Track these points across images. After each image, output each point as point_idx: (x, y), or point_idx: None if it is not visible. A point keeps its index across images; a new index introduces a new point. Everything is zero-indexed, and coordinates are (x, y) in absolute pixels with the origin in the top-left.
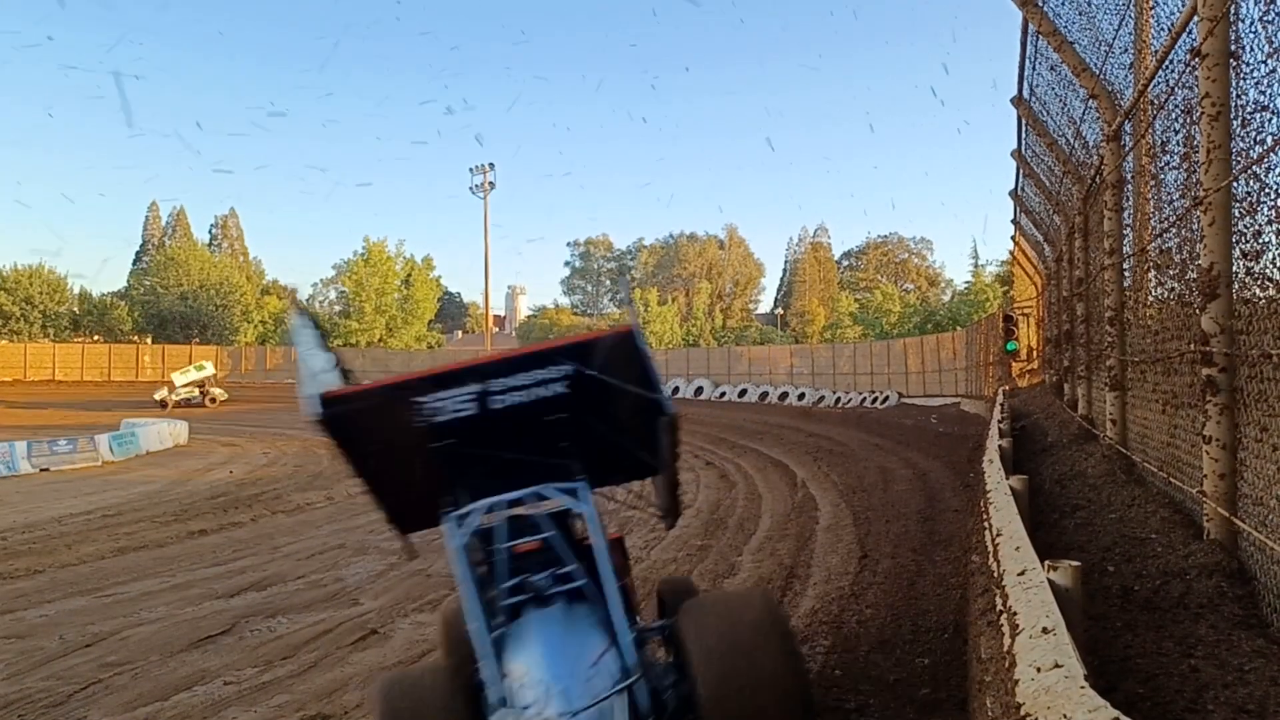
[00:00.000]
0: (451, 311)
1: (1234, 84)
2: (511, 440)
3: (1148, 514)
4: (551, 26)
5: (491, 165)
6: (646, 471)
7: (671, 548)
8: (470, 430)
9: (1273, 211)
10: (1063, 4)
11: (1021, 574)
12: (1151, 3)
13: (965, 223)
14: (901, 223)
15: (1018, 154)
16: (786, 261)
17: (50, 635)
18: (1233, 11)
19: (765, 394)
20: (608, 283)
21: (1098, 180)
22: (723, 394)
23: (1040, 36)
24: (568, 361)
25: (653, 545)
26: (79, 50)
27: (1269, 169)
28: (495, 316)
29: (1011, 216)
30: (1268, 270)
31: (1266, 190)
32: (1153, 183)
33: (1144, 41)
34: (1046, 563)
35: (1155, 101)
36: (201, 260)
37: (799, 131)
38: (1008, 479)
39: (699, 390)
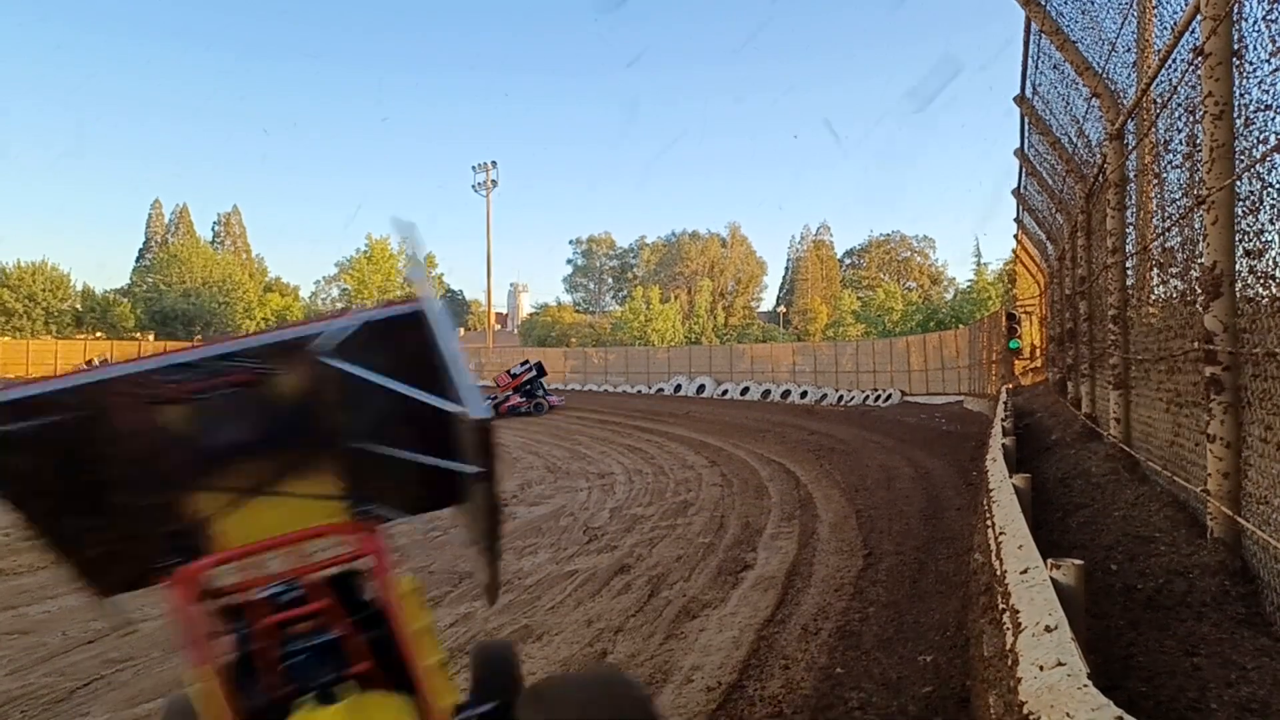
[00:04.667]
0: (454, 309)
1: (1237, 83)
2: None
3: (1151, 513)
4: (554, 25)
5: (494, 163)
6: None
7: (676, 545)
8: None
9: (1275, 210)
10: (1066, 3)
11: (1024, 572)
12: (1154, 2)
13: (968, 221)
14: (904, 221)
15: (1020, 152)
16: (789, 259)
17: (53, 631)
18: (1236, 11)
19: (767, 392)
20: (610, 280)
21: (1100, 179)
22: (724, 392)
23: (1043, 35)
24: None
25: (659, 542)
26: (80, 47)
27: (1271, 168)
28: (497, 314)
29: (1014, 215)
30: (1270, 269)
31: (1269, 189)
32: (1155, 181)
33: (1147, 40)
34: (1049, 561)
35: (1158, 100)
36: (204, 257)
37: (802, 129)
38: (1011, 477)
39: (701, 388)
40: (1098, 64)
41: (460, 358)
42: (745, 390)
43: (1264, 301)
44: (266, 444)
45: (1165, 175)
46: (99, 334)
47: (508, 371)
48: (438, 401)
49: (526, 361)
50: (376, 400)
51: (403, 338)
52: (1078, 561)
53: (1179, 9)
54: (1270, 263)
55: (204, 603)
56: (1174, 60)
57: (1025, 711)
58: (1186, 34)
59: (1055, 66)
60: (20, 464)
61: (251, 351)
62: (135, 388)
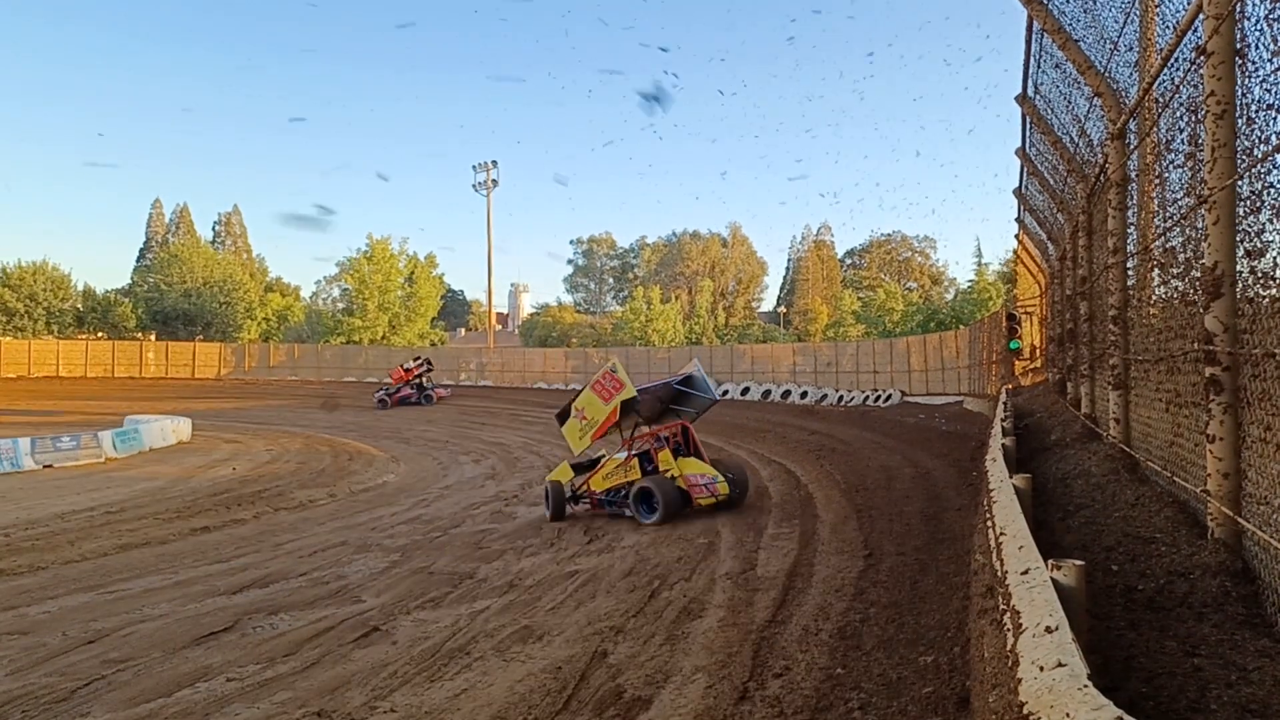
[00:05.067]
0: (454, 309)
1: (1239, 82)
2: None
3: (1151, 513)
4: (555, 23)
5: (495, 163)
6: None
7: (677, 545)
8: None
9: (1276, 210)
10: (1068, 2)
11: (1025, 573)
12: (1157, 1)
13: (969, 221)
14: (905, 221)
15: (1021, 152)
16: (789, 260)
17: (53, 631)
18: (1239, 9)
19: (768, 392)
20: (611, 280)
21: (1102, 179)
22: (725, 392)
23: (1045, 34)
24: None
25: (660, 544)
26: (81, 46)
27: (1273, 168)
28: (498, 314)
29: (1015, 215)
30: (1271, 269)
31: (1270, 189)
32: (1157, 181)
33: (1149, 39)
34: (1050, 561)
35: (1160, 100)
36: (205, 257)
37: (804, 127)
38: (1011, 478)
39: None
40: (1100, 63)
41: (709, 382)
42: (746, 390)
43: (1264, 302)
44: (660, 404)
45: (1167, 175)
46: (100, 334)
47: (402, 366)
48: (704, 395)
49: (419, 357)
50: (674, 394)
51: (685, 380)
52: (1078, 562)
53: (1181, 8)
54: (1271, 263)
55: (650, 435)
56: (1176, 59)
57: (1025, 712)
58: (1189, 33)
59: (1057, 66)
60: (632, 404)
61: (658, 386)
62: (647, 392)
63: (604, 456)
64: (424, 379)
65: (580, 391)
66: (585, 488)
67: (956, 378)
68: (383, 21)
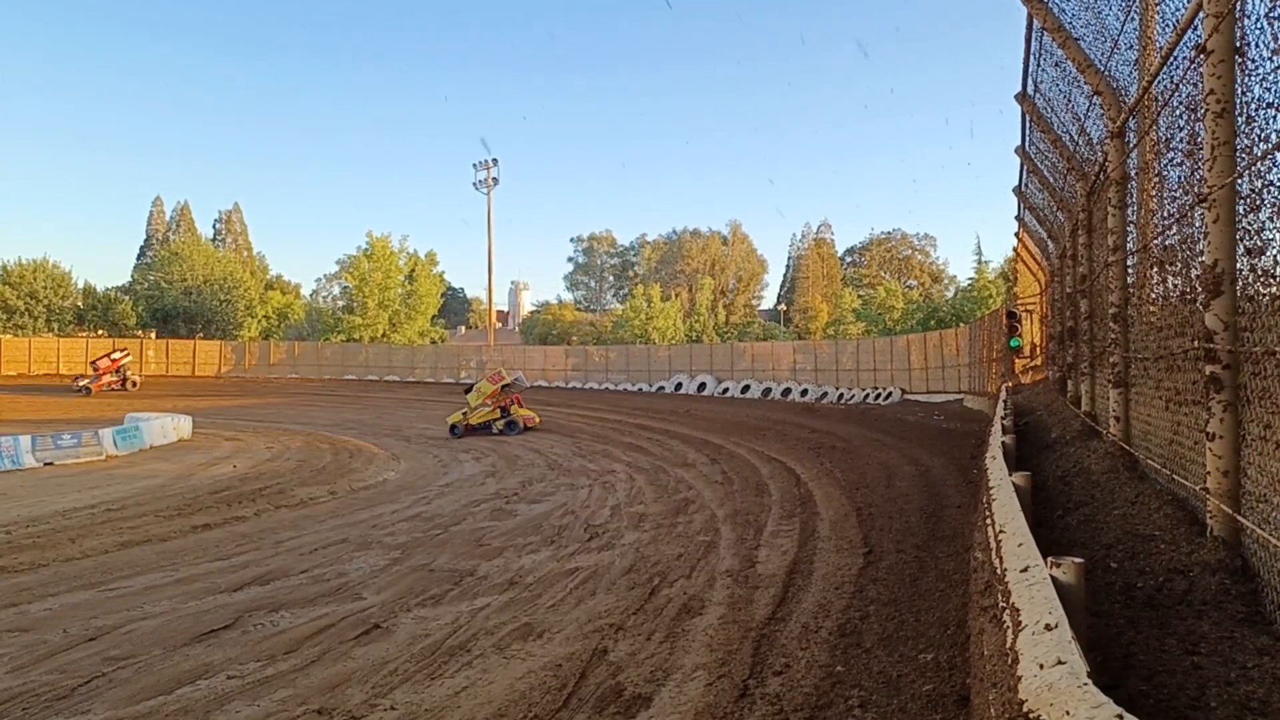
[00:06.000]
0: (455, 307)
1: (1239, 81)
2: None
3: (1151, 511)
4: (557, 23)
5: (495, 161)
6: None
7: (678, 543)
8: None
9: (1276, 208)
10: (1068, 1)
11: (1024, 570)
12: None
13: (969, 219)
14: (905, 219)
15: (1021, 150)
16: (790, 257)
17: (54, 629)
18: (1238, 8)
19: (768, 390)
20: (611, 278)
21: (1102, 177)
22: (725, 390)
23: (1045, 33)
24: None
25: (659, 540)
26: (82, 44)
27: (1273, 166)
28: (499, 312)
29: (1015, 213)
30: (1271, 267)
31: (1270, 187)
32: (1157, 179)
33: (1149, 38)
34: (1049, 559)
35: (1160, 98)
36: (205, 255)
37: (804, 127)
38: (1010, 475)
39: (701, 386)
40: (1100, 61)
41: (525, 380)
42: (746, 388)
43: (1264, 300)
44: (510, 388)
45: (1167, 173)
46: (100, 331)
47: (108, 355)
48: (523, 385)
49: (123, 349)
50: (513, 382)
51: (515, 380)
52: (1078, 560)
53: (1181, 7)
54: (1271, 261)
55: (503, 403)
56: (1176, 58)
57: (1025, 710)
58: (1189, 31)
59: (1057, 64)
60: (505, 386)
61: (513, 382)
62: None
63: (468, 409)
64: (126, 368)
65: (480, 380)
66: (466, 423)
67: (956, 376)
68: (385, 21)
